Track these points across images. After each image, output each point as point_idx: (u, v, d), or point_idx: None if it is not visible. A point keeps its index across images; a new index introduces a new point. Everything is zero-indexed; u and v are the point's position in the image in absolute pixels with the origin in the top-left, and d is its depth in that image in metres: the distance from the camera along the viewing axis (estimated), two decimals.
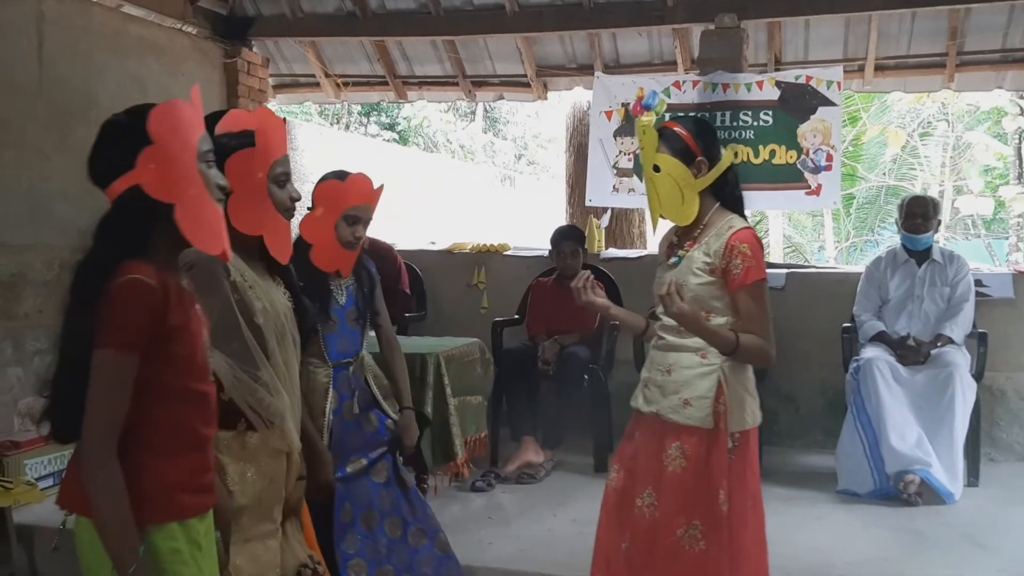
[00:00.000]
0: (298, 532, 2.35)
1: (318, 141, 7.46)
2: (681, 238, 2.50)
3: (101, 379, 1.60)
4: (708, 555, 2.32)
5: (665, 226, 2.60)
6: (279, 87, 6.86)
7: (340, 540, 2.86)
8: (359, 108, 14.42)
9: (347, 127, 14.68)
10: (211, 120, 2.54)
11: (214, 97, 5.92)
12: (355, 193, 2.87)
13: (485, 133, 17.83)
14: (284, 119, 2.16)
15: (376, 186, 2.95)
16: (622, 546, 2.49)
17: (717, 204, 2.45)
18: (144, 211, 1.66)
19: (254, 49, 6.27)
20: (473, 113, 16.92)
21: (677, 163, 2.38)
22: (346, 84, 6.73)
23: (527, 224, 11.05)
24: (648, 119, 5.46)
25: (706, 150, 2.41)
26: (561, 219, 7.66)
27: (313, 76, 6.70)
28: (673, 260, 2.48)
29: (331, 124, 14.42)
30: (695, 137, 2.41)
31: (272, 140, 2.13)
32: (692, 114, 5.24)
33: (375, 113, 14.82)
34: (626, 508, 2.49)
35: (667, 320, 2.41)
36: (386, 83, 6.65)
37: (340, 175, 2.93)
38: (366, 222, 2.91)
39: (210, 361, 1.80)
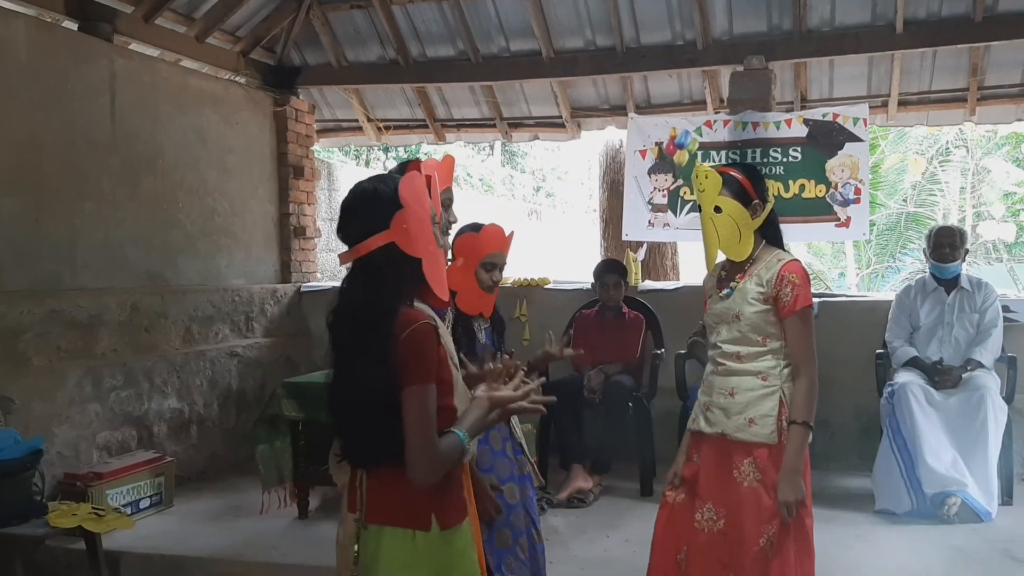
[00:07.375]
0: None
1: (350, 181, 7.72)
2: (730, 272, 2.72)
3: (419, 410, 1.80)
4: (787, 560, 2.53)
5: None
6: (323, 131, 7.13)
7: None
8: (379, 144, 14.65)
9: (367, 163, 14.93)
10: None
11: (265, 143, 6.21)
12: (490, 242, 3.07)
13: (503, 167, 18.14)
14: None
15: (508, 232, 3.14)
16: (678, 557, 2.69)
17: (764, 241, 2.69)
18: (397, 264, 1.85)
19: (300, 97, 6.55)
20: (492, 147, 17.19)
21: (737, 205, 2.62)
22: (387, 128, 7.01)
23: (557, 257, 11.29)
24: (681, 157, 5.70)
25: (760, 194, 2.66)
26: (594, 252, 7.88)
27: (356, 121, 6.98)
28: (725, 292, 2.70)
29: (352, 160, 14.69)
30: (751, 181, 2.65)
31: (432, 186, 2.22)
32: (735, 159, 5.47)
33: (394, 148, 15.13)
34: (684, 522, 2.69)
35: (726, 347, 2.64)
36: (426, 126, 6.91)
37: (475, 227, 3.12)
38: (502, 267, 3.10)
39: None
